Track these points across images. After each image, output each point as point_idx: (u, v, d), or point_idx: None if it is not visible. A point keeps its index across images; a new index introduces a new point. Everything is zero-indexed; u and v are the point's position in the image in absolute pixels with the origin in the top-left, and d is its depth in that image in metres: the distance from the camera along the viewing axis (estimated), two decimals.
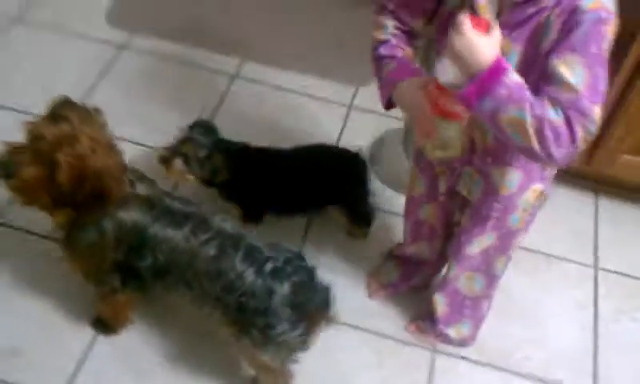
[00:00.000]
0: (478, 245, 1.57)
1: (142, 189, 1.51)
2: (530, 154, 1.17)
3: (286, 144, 1.97)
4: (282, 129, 2.30)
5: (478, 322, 1.81)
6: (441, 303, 1.77)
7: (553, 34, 1.17)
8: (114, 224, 1.46)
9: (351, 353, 1.81)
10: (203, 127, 1.85)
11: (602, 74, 1.14)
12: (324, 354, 1.71)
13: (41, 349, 1.76)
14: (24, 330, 1.79)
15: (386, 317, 1.90)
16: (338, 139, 2.30)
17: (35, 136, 1.37)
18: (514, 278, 1.89)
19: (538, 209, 1.52)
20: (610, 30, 1.14)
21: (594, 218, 2.18)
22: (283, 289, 1.37)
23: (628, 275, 2.05)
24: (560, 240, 2.10)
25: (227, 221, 1.49)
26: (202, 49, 2.55)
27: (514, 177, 1.41)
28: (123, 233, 1.47)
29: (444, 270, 1.77)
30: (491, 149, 1.39)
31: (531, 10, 1.19)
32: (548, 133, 1.12)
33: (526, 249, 2.01)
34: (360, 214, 2.02)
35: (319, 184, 1.90)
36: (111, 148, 1.43)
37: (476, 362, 1.84)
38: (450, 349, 1.85)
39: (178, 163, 1.79)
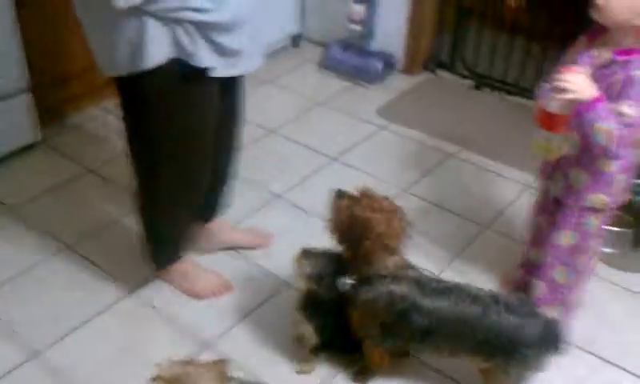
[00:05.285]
0: (565, 237, 2.12)
1: (411, 272, 1.93)
2: (602, 151, 1.83)
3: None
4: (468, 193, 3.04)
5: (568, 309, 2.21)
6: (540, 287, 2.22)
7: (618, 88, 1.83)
8: (386, 292, 1.86)
9: None
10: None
11: None
12: None
13: None
14: None
15: None
16: (504, 209, 2.93)
17: (361, 194, 1.92)
18: None
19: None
20: None
21: None
22: (536, 324, 1.85)
23: None
24: None
25: (480, 289, 1.92)
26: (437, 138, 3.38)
27: (583, 178, 2.00)
28: (393, 300, 1.86)
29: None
30: (572, 156, 1.98)
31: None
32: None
33: None
34: None
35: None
36: (396, 217, 1.90)
37: None
38: None
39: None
